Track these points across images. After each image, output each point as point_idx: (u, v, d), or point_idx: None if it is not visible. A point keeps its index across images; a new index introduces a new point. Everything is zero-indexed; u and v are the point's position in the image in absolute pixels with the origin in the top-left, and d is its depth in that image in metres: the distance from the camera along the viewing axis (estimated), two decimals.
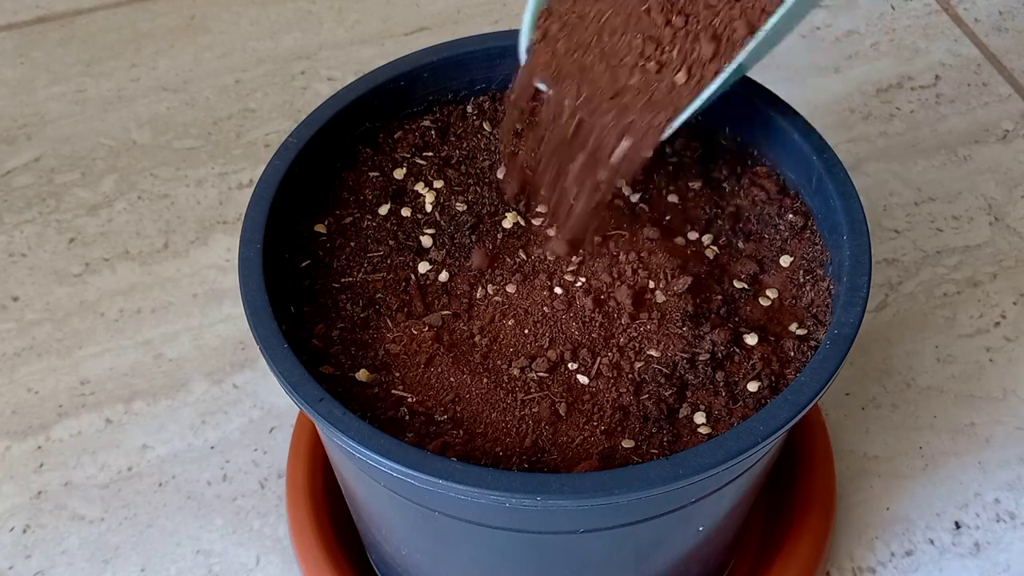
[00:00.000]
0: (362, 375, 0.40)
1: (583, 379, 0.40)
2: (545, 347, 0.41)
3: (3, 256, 0.67)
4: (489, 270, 0.43)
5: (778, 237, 0.45)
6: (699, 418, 0.39)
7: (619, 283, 0.42)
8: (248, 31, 0.81)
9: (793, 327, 0.42)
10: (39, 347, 0.63)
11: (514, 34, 0.49)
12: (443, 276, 0.43)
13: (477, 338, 0.41)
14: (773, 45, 0.39)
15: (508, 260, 0.43)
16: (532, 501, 0.36)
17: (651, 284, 0.42)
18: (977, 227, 0.68)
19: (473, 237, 0.44)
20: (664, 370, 0.40)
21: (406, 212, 0.45)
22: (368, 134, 0.48)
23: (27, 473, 0.58)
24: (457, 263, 0.43)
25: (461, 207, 0.45)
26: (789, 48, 0.79)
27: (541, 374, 0.40)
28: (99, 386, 0.61)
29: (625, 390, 0.40)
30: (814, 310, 0.42)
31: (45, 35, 0.81)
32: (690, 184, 0.47)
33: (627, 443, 0.38)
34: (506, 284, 0.42)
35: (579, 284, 0.42)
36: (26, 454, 0.59)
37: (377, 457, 0.36)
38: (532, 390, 0.40)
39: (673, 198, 0.46)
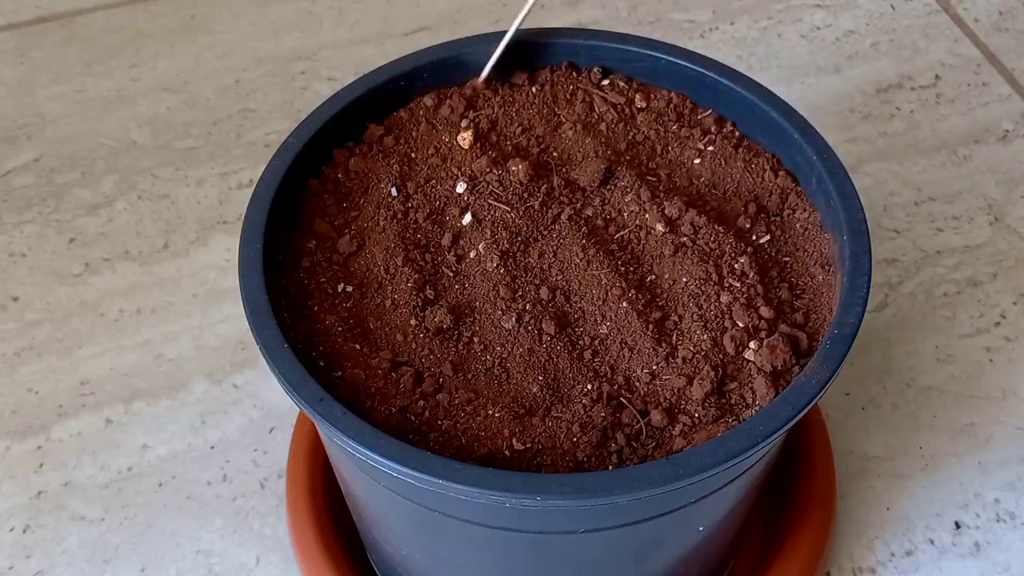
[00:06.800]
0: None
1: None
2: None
3: (3, 256, 0.67)
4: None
5: None
6: None
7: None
8: (248, 31, 0.81)
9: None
10: (39, 347, 0.63)
11: (513, 34, 0.49)
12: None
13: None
14: None
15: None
16: (532, 501, 0.36)
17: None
18: (977, 227, 0.68)
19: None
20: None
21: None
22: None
23: (27, 473, 0.58)
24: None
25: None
26: (789, 48, 0.79)
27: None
28: (99, 386, 0.61)
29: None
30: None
31: (45, 35, 0.81)
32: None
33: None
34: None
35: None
36: (26, 454, 0.59)
37: (377, 457, 0.36)
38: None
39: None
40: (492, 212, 0.44)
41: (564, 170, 0.46)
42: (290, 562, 0.55)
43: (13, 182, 0.71)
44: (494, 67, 0.49)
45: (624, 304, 0.41)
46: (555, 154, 0.47)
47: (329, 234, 0.45)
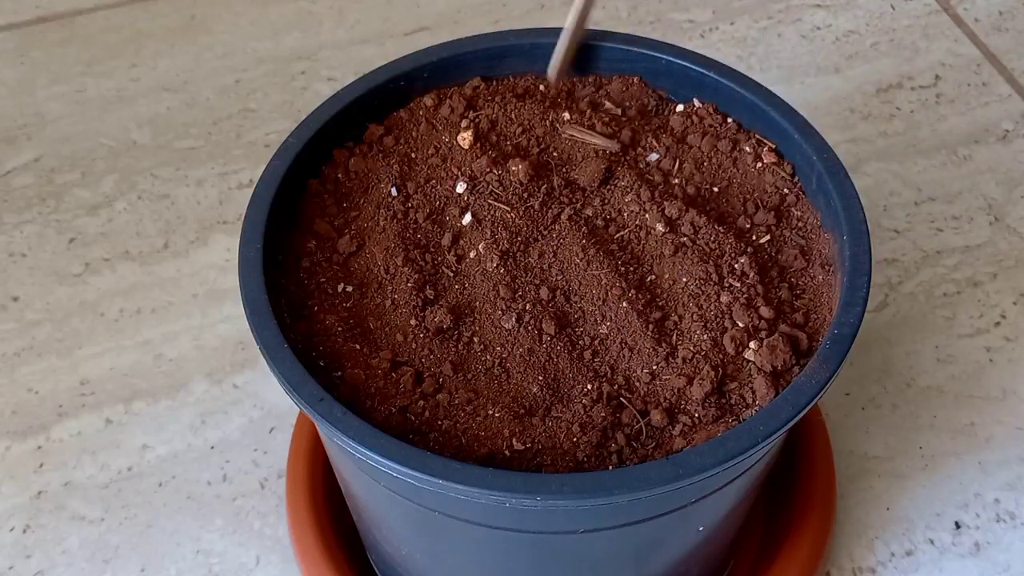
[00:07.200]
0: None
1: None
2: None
3: (3, 256, 0.67)
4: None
5: None
6: None
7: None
8: (248, 31, 0.81)
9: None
10: (39, 347, 0.63)
11: (513, 34, 0.49)
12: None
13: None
14: None
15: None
16: (532, 501, 0.36)
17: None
18: (977, 227, 0.68)
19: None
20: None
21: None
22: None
23: (27, 473, 0.58)
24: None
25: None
26: (789, 48, 0.79)
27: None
28: (99, 386, 0.61)
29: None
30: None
31: (45, 35, 0.81)
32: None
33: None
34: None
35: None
36: (26, 454, 0.59)
37: (377, 457, 0.36)
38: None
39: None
40: (492, 212, 0.44)
41: (564, 170, 0.46)
42: (290, 562, 0.55)
43: (13, 182, 0.71)
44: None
45: (624, 304, 0.41)
46: (555, 154, 0.47)
47: (329, 234, 0.45)
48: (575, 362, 0.40)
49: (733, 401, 0.40)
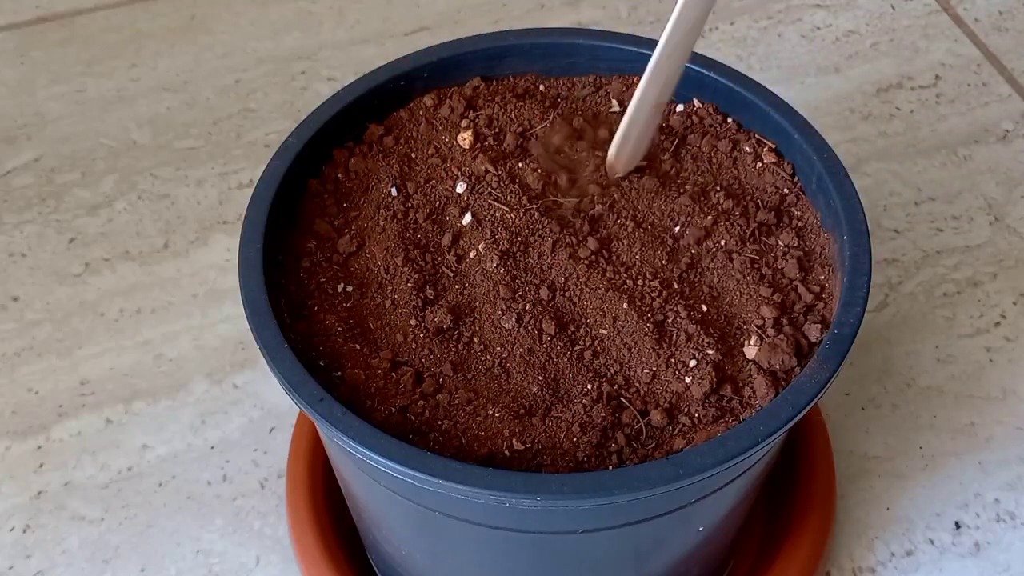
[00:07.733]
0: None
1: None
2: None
3: (3, 256, 0.67)
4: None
5: None
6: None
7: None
8: (248, 31, 0.81)
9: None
10: (39, 347, 0.63)
11: (513, 34, 0.50)
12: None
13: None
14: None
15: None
16: (532, 501, 0.36)
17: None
18: (977, 227, 0.68)
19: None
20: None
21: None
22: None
23: (27, 473, 0.58)
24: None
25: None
26: (789, 48, 0.79)
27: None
28: (99, 386, 0.61)
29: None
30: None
31: (45, 35, 0.81)
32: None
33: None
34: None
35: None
36: (26, 454, 0.59)
37: (377, 457, 0.36)
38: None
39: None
40: (492, 212, 0.44)
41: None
42: (290, 562, 0.55)
43: (13, 182, 0.71)
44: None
45: (624, 304, 0.41)
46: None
47: (329, 234, 0.45)
48: (575, 362, 0.40)
49: (733, 401, 0.40)
